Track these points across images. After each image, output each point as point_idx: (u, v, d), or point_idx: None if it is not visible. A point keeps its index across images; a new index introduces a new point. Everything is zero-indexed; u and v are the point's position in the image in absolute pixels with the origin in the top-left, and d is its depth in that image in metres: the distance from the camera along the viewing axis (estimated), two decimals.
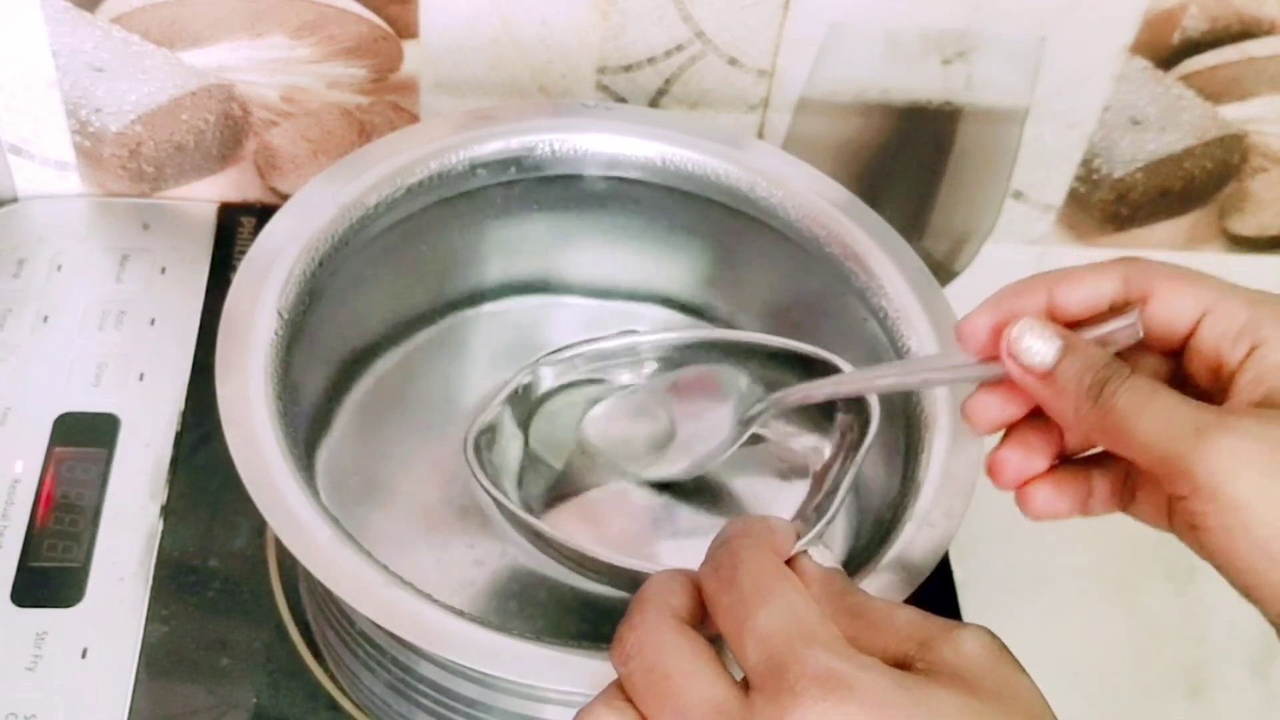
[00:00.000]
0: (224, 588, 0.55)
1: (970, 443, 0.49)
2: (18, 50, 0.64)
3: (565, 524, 0.53)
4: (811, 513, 0.51)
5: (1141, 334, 0.40)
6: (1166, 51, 0.67)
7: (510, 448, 0.54)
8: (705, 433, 0.54)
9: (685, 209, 0.59)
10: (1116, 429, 0.38)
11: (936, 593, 0.53)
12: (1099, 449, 0.43)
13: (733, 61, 0.66)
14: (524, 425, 0.55)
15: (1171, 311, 0.40)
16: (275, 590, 0.56)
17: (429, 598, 0.43)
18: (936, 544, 0.47)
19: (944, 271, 0.74)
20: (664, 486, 0.55)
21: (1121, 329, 0.40)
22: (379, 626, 0.44)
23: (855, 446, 0.51)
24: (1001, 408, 0.43)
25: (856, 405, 0.51)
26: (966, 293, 0.73)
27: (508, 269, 0.62)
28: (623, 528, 0.54)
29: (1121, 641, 0.64)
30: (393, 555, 0.46)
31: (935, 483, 0.48)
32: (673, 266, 0.62)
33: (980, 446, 0.49)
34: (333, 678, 0.53)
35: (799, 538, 0.37)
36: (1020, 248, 0.74)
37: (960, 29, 0.65)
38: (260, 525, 0.57)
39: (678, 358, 0.55)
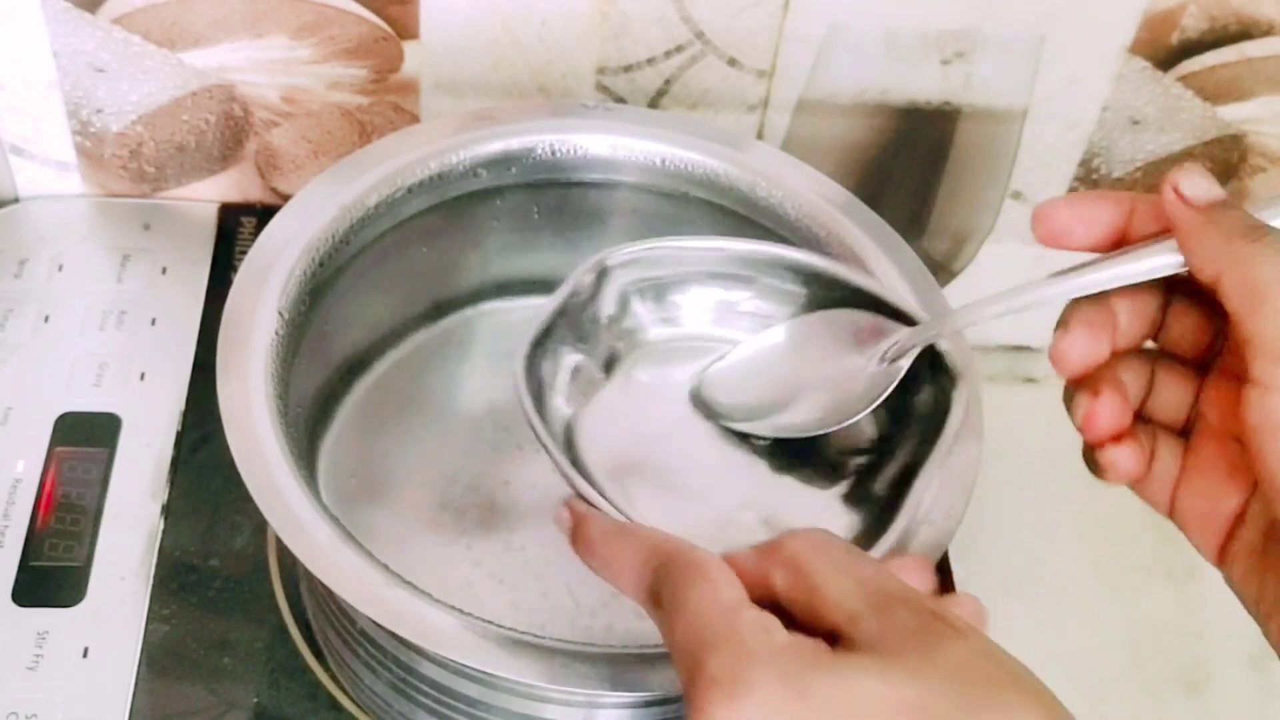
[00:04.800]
0: (225, 587, 0.56)
1: (970, 441, 0.49)
2: (18, 51, 0.64)
3: (616, 466, 0.48)
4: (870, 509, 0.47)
5: None
6: (1165, 52, 0.67)
7: (564, 364, 0.50)
8: (829, 385, 0.49)
9: (685, 210, 0.59)
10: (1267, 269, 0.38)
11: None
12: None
13: (732, 62, 0.66)
14: (584, 341, 0.50)
15: None
16: (276, 590, 0.56)
17: (429, 597, 0.44)
18: (936, 543, 0.47)
19: (944, 271, 0.74)
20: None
21: None
22: (380, 626, 0.44)
23: (929, 439, 0.45)
24: (1091, 346, 0.42)
25: (936, 380, 0.46)
26: (966, 293, 0.73)
27: (508, 269, 0.62)
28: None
29: (1121, 640, 0.64)
30: (393, 555, 0.46)
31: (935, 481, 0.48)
32: None
33: (979, 445, 0.49)
34: (334, 677, 0.53)
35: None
36: (1020, 248, 0.74)
37: (960, 29, 0.65)
38: (261, 525, 0.57)
39: (745, 274, 0.51)
